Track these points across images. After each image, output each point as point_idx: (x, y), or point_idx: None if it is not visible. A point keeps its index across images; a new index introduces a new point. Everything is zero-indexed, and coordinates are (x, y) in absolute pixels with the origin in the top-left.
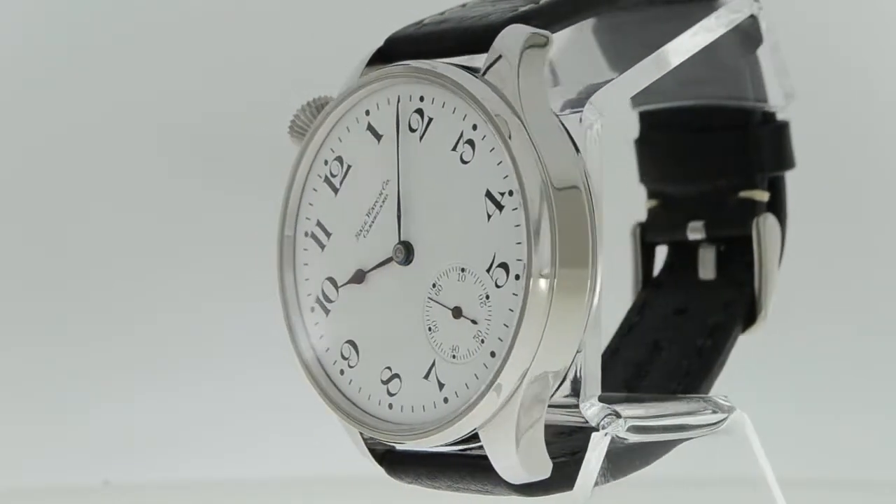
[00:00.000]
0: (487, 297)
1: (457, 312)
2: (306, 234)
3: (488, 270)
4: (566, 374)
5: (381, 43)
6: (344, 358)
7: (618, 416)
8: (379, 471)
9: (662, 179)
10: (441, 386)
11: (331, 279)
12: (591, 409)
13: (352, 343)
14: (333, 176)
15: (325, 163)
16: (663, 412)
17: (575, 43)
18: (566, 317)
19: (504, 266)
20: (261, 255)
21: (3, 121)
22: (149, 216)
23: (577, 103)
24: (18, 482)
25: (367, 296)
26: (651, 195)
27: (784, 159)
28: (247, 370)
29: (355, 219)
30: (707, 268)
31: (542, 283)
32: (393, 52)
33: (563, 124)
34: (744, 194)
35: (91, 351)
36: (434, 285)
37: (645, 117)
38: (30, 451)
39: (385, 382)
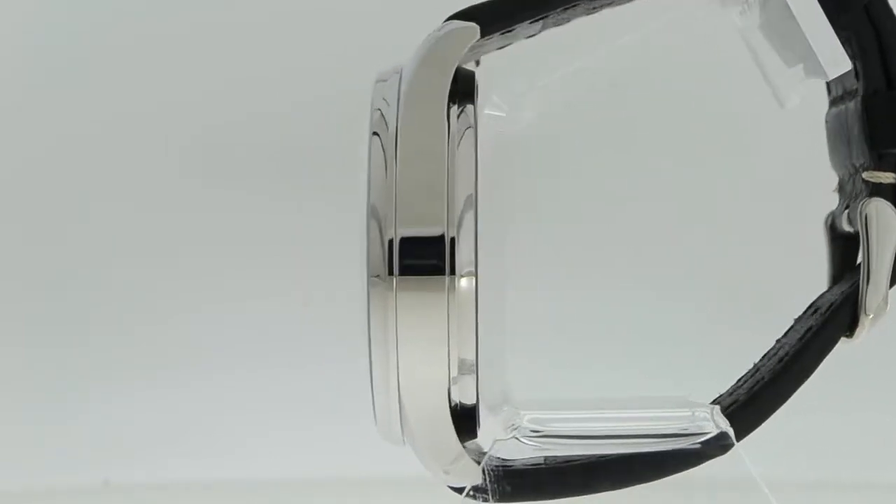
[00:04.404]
0: None
1: None
2: None
3: None
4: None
5: None
6: None
7: (520, 420)
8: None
9: (830, 162)
10: None
11: None
12: (501, 413)
13: None
14: None
15: None
16: (597, 422)
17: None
18: (421, 322)
19: None
20: (262, 255)
21: (8, 122)
22: (148, 217)
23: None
24: (18, 482)
25: None
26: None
27: None
28: (247, 371)
29: None
30: None
31: (381, 286)
32: None
33: (449, 122)
34: (866, 175)
35: (91, 351)
36: None
37: None
38: (30, 451)
39: None
